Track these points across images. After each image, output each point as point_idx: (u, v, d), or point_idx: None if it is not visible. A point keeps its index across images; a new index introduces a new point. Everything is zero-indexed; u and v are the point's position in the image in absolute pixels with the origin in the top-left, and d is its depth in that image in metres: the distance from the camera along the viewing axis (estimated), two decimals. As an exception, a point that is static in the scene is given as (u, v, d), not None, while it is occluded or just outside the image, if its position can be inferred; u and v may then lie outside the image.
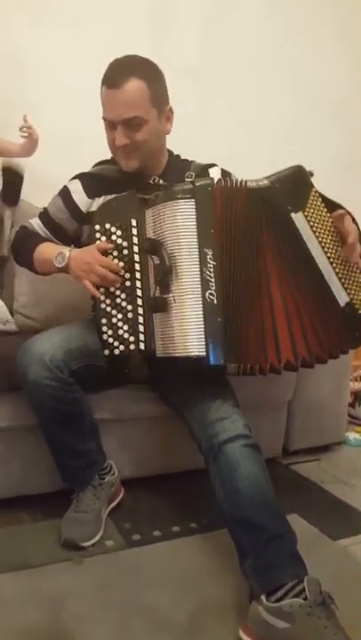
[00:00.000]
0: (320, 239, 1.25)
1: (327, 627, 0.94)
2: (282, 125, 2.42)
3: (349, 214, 1.27)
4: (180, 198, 1.18)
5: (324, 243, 1.25)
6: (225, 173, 1.47)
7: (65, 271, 1.32)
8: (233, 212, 1.19)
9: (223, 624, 1.08)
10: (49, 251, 1.37)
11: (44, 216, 1.47)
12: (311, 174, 1.26)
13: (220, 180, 1.23)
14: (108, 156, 1.42)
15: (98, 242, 1.28)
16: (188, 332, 1.18)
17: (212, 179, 1.23)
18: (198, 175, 1.41)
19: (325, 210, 1.26)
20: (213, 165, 1.47)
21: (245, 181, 1.22)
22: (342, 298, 1.26)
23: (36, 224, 1.48)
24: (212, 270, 1.18)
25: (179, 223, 1.18)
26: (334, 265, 1.26)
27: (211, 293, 1.17)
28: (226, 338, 1.17)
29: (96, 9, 2.01)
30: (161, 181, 1.36)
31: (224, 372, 1.25)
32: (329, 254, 1.25)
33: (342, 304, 1.26)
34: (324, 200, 1.28)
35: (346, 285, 1.27)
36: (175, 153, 1.48)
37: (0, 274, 1.83)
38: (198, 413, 1.25)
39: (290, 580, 1.01)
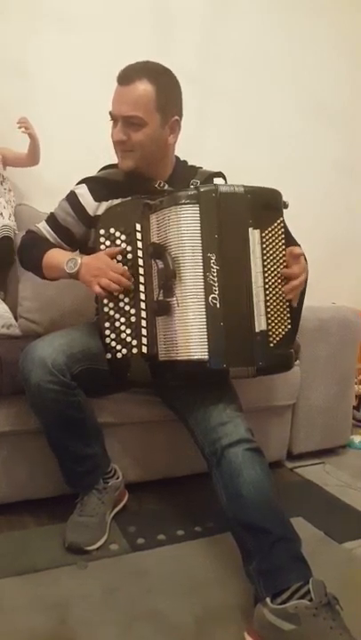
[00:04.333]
0: (265, 263, 1.23)
1: (333, 627, 0.94)
2: (282, 129, 2.44)
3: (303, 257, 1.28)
4: (185, 203, 1.19)
5: (268, 269, 1.23)
6: None
7: (75, 277, 1.32)
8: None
9: (229, 627, 1.08)
10: (59, 257, 1.37)
11: (52, 220, 1.48)
12: (286, 205, 1.27)
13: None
14: (109, 160, 1.43)
15: (106, 248, 1.29)
16: (190, 335, 1.19)
17: (217, 185, 1.24)
18: (203, 183, 1.42)
19: (283, 242, 1.26)
20: (219, 175, 1.48)
21: (218, 185, 1.23)
22: (260, 325, 1.21)
23: (43, 228, 1.48)
24: (215, 275, 1.19)
25: (183, 228, 1.19)
26: (267, 292, 1.23)
27: (214, 298, 1.18)
28: (228, 342, 1.18)
29: (97, 13, 2.03)
30: (166, 186, 1.37)
31: (227, 376, 1.25)
32: (267, 280, 1.23)
33: (257, 330, 1.21)
34: (287, 234, 1.27)
35: (270, 315, 1.23)
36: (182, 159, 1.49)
37: (4, 279, 1.84)
38: (201, 418, 1.25)
39: (295, 583, 1.01)
